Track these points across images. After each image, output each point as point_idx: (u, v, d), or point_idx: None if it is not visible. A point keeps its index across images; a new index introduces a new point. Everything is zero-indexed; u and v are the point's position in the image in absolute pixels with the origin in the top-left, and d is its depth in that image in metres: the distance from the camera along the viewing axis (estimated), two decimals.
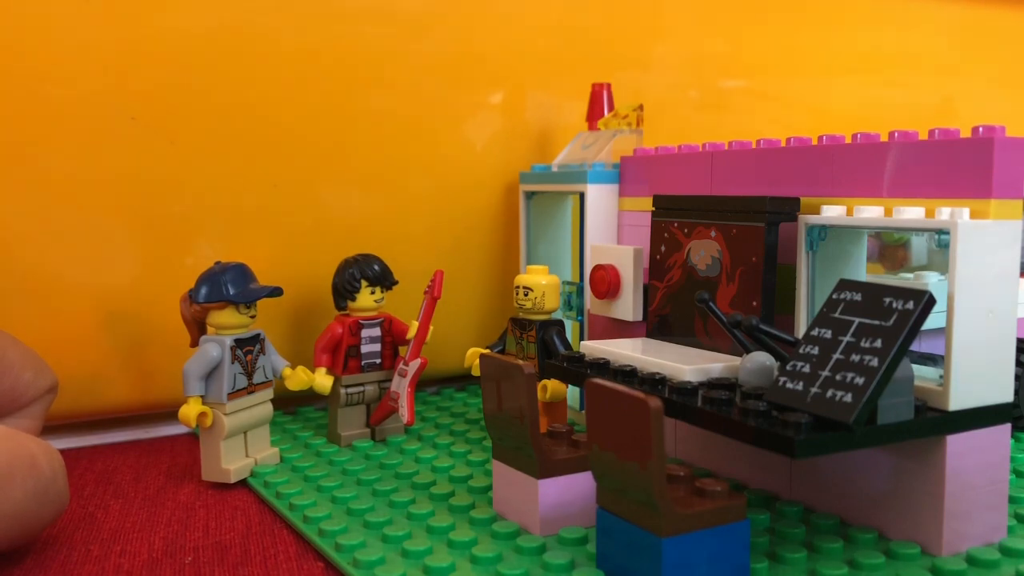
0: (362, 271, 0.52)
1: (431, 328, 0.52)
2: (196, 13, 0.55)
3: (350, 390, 0.52)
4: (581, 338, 0.55)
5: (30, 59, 0.52)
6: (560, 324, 0.52)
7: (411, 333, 0.52)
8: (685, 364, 0.39)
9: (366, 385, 0.53)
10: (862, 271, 0.42)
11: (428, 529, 0.39)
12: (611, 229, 0.55)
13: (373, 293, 0.52)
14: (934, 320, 0.34)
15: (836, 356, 0.33)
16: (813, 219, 0.40)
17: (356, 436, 0.52)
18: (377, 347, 0.53)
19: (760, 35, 0.75)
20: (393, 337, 0.53)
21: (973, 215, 0.35)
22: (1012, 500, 0.40)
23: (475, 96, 0.64)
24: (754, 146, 0.46)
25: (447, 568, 0.35)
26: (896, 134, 0.39)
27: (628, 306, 0.50)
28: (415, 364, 0.51)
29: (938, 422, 0.35)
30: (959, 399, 0.35)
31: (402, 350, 0.53)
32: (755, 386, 0.36)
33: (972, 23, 0.85)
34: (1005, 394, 0.36)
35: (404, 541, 0.37)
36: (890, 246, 0.61)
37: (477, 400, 0.62)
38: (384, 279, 0.53)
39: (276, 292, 0.48)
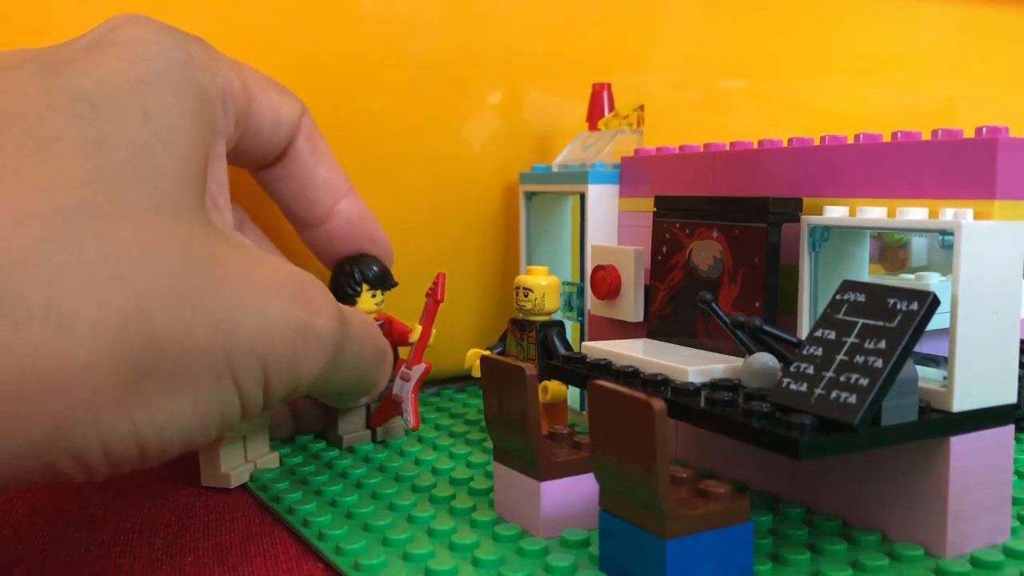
0: (362, 274, 0.52)
1: (433, 331, 0.52)
2: (196, 13, 0.55)
3: None
4: (581, 339, 0.55)
5: None
6: (560, 325, 0.51)
7: (414, 337, 0.51)
8: (688, 365, 0.39)
9: None
10: (865, 272, 0.42)
11: (429, 532, 0.39)
12: (612, 230, 0.55)
13: (374, 296, 0.52)
14: (936, 321, 0.33)
15: (840, 357, 0.33)
16: (816, 220, 0.40)
17: (357, 438, 0.52)
18: None
19: (761, 35, 0.75)
20: (393, 338, 0.53)
21: (977, 216, 0.35)
22: (1015, 502, 0.40)
23: (475, 96, 0.64)
24: (755, 146, 0.46)
25: (449, 571, 0.34)
26: (899, 134, 0.39)
27: (629, 307, 0.50)
28: (419, 369, 0.51)
29: (942, 423, 0.35)
30: (963, 400, 0.35)
31: (402, 352, 0.52)
32: (758, 387, 0.36)
33: (974, 24, 0.85)
34: (1008, 395, 0.36)
35: (406, 544, 0.37)
36: (890, 247, 0.61)
37: (477, 401, 0.62)
38: (384, 281, 0.53)
39: None
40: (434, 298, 0.51)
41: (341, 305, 0.39)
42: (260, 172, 0.49)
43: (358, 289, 0.52)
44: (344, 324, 0.38)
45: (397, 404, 0.51)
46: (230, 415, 0.33)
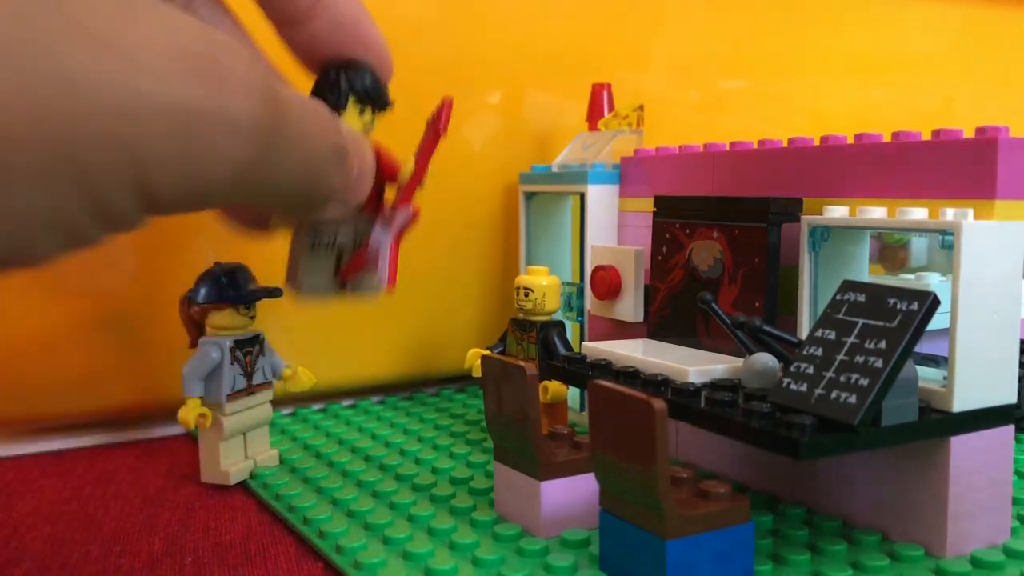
0: (350, 82, 0.39)
1: (430, 168, 0.40)
2: None
3: (320, 230, 0.40)
4: (581, 339, 0.55)
5: None
6: (561, 325, 0.51)
7: (405, 172, 0.39)
8: (688, 365, 0.39)
9: (340, 227, 0.40)
10: (865, 272, 0.42)
11: (430, 531, 0.39)
12: (611, 230, 0.55)
13: (362, 114, 0.40)
14: (936, 321, 0.34)
15: (840, 357, 0.33)
16: (816, 220, 0.40)
17: (320, 289, 0.40)
18: None
19: (760, 35, 0.75)
20: (380, 172, 0.39)
21: (977, 216, 0.35)
22: (1015, 502, 0.40)
23: (475, 96, 0.64)
24: (755, 146, 0.46)
25: (449, 571, 0.34)
26: (899, 135, 0.39)
27: (629, 307, 0.50)
28: (404, 213, 0.39)
29: (942, 423, 0.35)
30: (963, 400, 0.35)
31: (388, 193, 0.40)
32: (758, 387, 0.36)
33: (974, 24, 0.85)
34: (1008, 395, 0.36)
35: (406, 543, 0.37)
36: (890, 247, 0.61)
37: (477, 401, 0.62)
38: (377, 95, 0.39)
39: (275, 293, 0.48)
40: (435, 128, 0.40)
41: (278, 81, 0.29)
42: None
43: (343, 101, 0.39)
44: (275, 106, 0.28)
45: (373, 257, 0.39)
46: (77, 227, 0.24)
